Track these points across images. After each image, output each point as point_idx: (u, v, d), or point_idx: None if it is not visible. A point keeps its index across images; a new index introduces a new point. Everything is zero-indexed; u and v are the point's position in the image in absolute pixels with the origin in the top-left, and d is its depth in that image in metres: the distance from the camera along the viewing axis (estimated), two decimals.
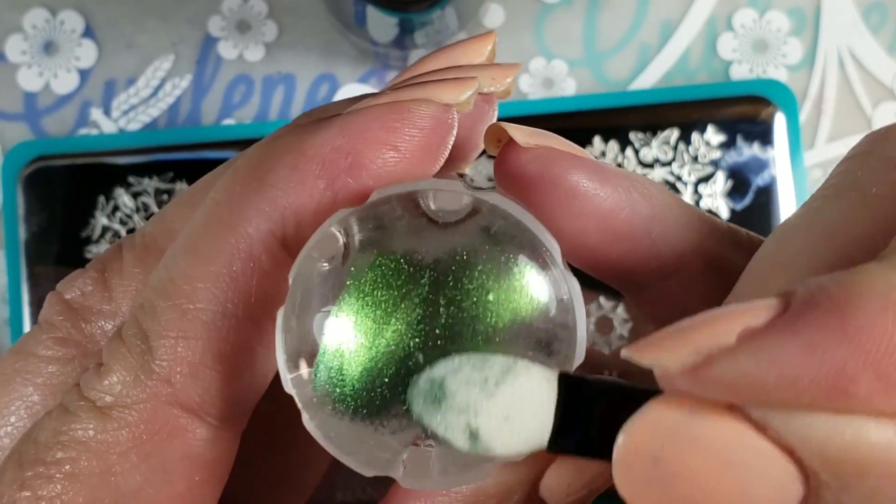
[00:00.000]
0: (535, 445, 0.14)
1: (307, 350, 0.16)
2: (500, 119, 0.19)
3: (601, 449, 0.14)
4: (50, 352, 0.19)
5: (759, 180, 0.37)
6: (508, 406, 0.14)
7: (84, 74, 0.39)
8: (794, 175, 0.37)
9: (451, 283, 0.15)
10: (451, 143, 0.17)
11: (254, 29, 0.39)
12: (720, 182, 0.37)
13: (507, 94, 0.19)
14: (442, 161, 0.17)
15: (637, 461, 0.13)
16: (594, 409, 0.14)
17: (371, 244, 0.16)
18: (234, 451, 0.18)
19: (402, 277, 0.15)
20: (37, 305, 0.37)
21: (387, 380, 0.15)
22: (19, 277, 0.37)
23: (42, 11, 0.39)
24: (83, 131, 0.39)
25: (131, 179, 0.37)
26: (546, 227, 0.16)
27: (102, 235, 0.37)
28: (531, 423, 0.14)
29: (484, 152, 0.19)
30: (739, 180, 0.37)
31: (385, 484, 0.20)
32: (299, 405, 0.15)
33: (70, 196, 0.37)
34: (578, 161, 0.18)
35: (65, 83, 0.39)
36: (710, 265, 0.18)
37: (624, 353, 0.14)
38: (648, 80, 0.39)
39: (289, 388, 0.15)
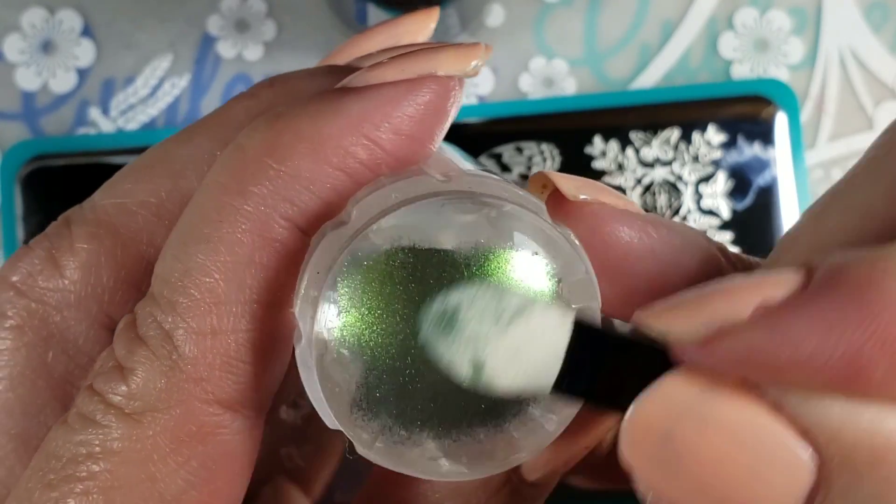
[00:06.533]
0: (539, 386, 0.14)
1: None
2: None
3: (604, 403, 0.14)
4: (9, 343, 0.18)
5: (760, 180, 0.37)
6: (519, 343, 0.14)
7: (82, 74, 0.39)
8: (795, 175, 0.37)
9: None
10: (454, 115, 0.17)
11: (253, 28, 0.39)
12: (721, 182, 0.37)
13: (474, 74, 0.18)
14: (443, 135, 0.17)
15: (647, 437, 0.13)
16: (605, 362, 0.14)
17: (414, 231, 0.15)
18: (261, 434, 0.17)
19: (440, 277, 0.15)
20: None
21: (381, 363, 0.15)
22: None
23: (40, 10, 0.39)
24: (81, 131, 0.39)
25: None
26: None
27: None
28: (539, 363, 0.14)
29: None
30: (740, 180, 0.37)
31: None
32: (303, 332, 0.15)
33: (68, 196, 0.37)
34: (629, 218, 0.17)
35: (63, 82, 0.39)
36: None
37: (636, 315, 0.13)
38: (649, 79, 0.39)
39: (303, 316, 0.15)
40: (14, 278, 0.18)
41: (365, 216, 0.15)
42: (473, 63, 0.17)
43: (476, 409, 0.15)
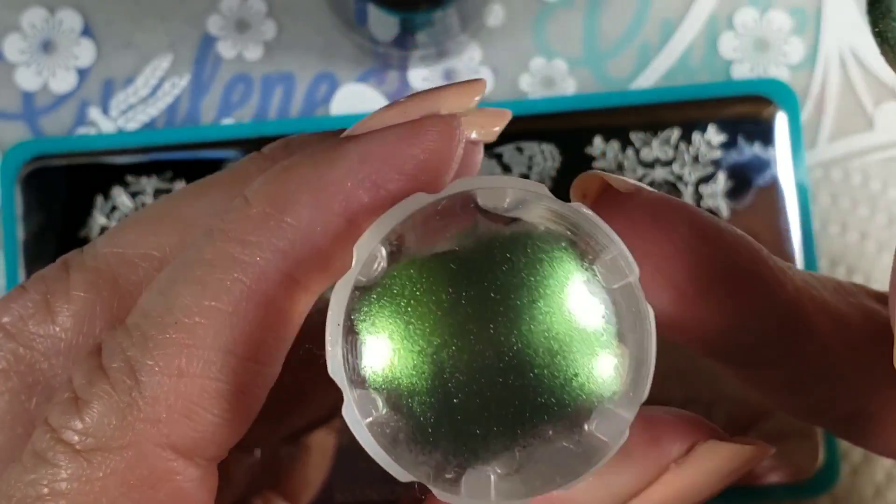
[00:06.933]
0: None
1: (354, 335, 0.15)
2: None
3: None
4: None
5: (761, 180, 0.37)
6: None
7: (82, 74, 0.39)
8: (795, 175, 0.37)
9: (496, 284, 0.14)
10: (460, 154, 0.16)
11: (253, 28, 0.39)
12: (721, 182, 0.37)
13: (491, 140, 0.18)
14: (451, 175, 0.16)
15: None
16: None
17: (416, 250, 0.15)
18: (216, 483, 0.16)
19: (450, 279, 0.15)
20: None
21: (433, 397, 0.14)
22: (17, 278, 0.37)
23: (40, 10, 0.39)
24: (81, 131, 0.39)
25: (130, 179, 0.37)
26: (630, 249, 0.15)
27: (101, 235, 0.37)
28: None
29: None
30: (740, 180, 0.37)
31: (386, 485, 0.19)
32: (344, 391, 0.14)
33: (68, 196, 0.37)
34: (688, 207, 0.17)
35: (63, 82, 0.39)
36: (838, 323, 0.17)
37: None
38: (649, 79, 0.39)
39: (337, 375, 0.15)
40: (5, 319, 0.17)
41: (364, 251, 0.15)
42: (476, 98, 0.17)
43: (535, 405, 0.14)
